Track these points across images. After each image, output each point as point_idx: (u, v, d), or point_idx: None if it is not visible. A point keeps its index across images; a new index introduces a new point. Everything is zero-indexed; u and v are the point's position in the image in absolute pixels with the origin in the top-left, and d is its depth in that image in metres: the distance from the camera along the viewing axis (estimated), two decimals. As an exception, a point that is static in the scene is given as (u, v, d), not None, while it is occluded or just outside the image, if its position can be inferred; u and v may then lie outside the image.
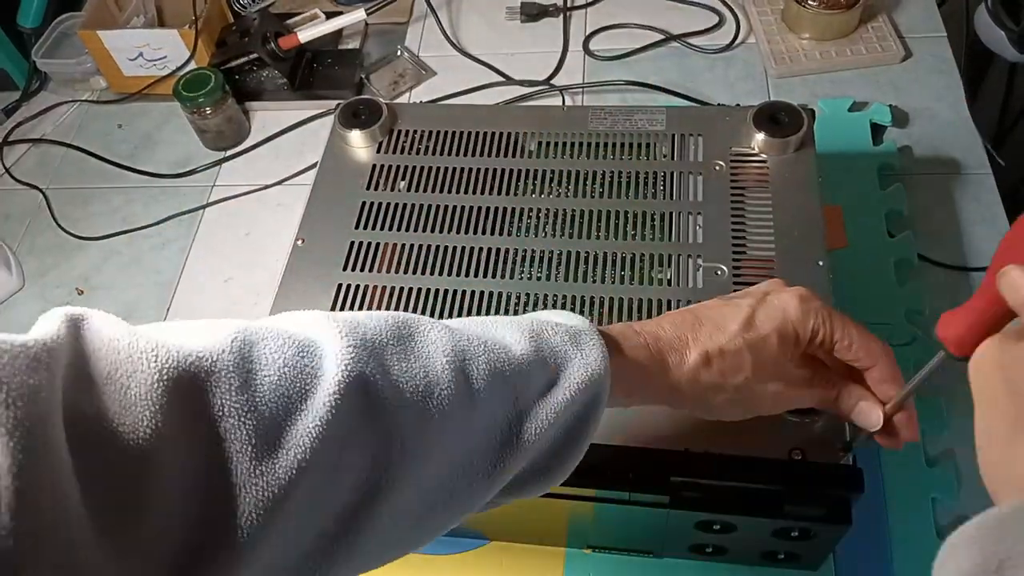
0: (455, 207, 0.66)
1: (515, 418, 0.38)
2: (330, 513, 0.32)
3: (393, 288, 0.62)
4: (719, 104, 0.89)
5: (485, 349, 0.38)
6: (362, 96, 0.75)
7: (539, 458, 0.40)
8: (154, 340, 0.30)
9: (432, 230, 0.65)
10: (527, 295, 0.61)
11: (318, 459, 0.31)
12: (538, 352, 0.39)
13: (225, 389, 0.30)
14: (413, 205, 0.67)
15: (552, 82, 0.97)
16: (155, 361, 0.29)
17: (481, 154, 0.70)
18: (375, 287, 0.62)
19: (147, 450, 0.28)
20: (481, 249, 0.64)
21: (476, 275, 0.62)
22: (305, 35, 0.98)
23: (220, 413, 0.30)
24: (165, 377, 0.29)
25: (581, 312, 0.59)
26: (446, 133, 0.71)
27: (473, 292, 0.61)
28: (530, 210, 0.66)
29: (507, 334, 0.39)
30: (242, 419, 0.30)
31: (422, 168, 0.69)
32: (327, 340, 0.34)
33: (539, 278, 0.62)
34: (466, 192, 0.67)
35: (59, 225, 0.92)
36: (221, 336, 0.32)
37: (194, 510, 0.29)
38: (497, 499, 0.40)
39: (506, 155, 0.70)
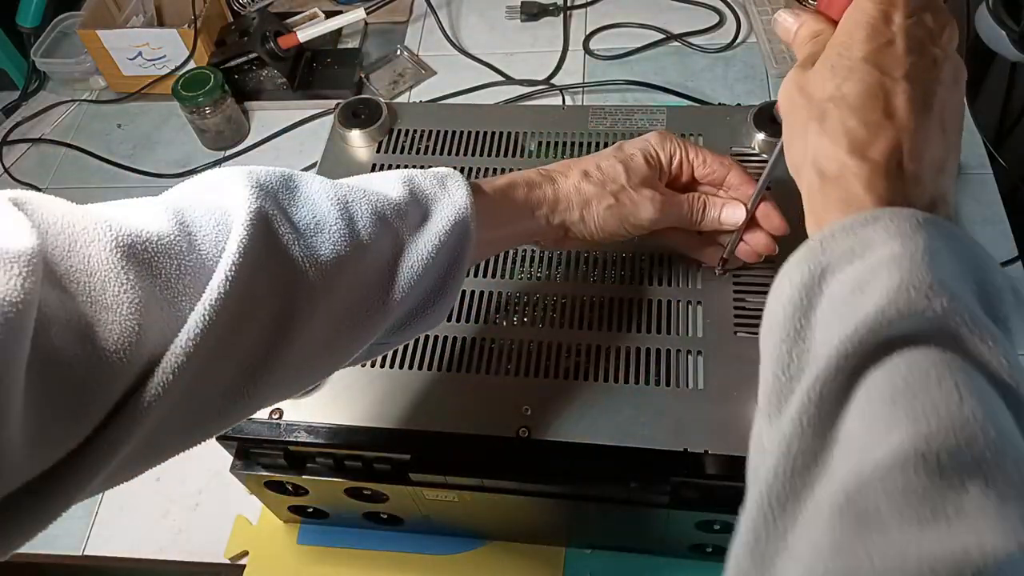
0: (455, 207, 0.66)
1: (399, 252, 0.43)
2: (248, 343, 0.37)
3: (393, 288, 0.62)
4: (719, 104, 0.89)
5: (365, 195, 0.43)
6: (362, 95, 0.74)
7: (422, 294, 0.45)
8: (103, 215, 0.34)
9: (432, 230, 0.65)
10: (527, 295, 0.61)
11: (234, 290, 0.35)
12: (412, 195, 0.45)
13: (175, 254, 0.35)
14: (413, 205, 0.67)
15: (552, 82, 0.97)
16: (109, 231, 0.33)
17: (481, 154, 0.70)
18: (375, 287, 0.62)
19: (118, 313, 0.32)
20: (481, 249, 0.63)
21: (476, 275, 0.62)
22: (304, 34, 0.98)
23: (172, 273, 0.35)
24: (122, 245, 0.33)
25: (581, 313, 0.59)
26: (446, 133, 0.71)
27: (473, 292, 0.61)
28: (530, 210, 0.65)
29: (383, 183, 0.45)
30: (184, 277, 0.35)
31: (422, 168, 0.69)
32: (234, 192, 0.39)
33: (539, 278, 0.62)
34: (466, 192, 0.67)
35: (58, 225, 0.92)
36: (157, 212, 0.36)
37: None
38: (390, 339, 0.47)
39: (506, 155, 0.69)
